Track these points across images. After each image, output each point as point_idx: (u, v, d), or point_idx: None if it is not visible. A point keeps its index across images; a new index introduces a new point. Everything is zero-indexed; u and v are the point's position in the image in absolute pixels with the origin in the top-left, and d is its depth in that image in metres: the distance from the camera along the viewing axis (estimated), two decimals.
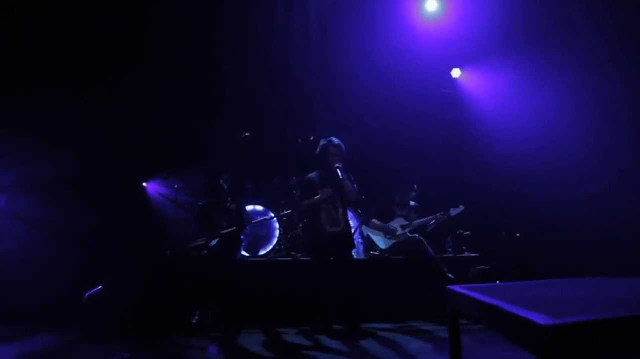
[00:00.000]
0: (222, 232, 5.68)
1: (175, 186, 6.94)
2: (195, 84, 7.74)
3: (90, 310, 5.15)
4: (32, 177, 6.43)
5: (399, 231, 6.38)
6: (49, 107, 6.68)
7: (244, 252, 6.44)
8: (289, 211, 6.38)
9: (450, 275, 6.00)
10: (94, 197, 6.59)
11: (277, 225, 6.59)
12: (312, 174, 5.64)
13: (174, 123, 7.58)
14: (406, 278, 6.01)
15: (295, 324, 5.50)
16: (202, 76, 7.77)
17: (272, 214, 6.46)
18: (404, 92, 8.19)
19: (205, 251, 5.54)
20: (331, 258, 5.44)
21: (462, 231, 6.76)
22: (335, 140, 5.56)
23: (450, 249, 6.66)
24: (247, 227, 6.44)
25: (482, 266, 6.18)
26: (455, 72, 8.96)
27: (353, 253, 6.27)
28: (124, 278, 5.30)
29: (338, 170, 5.40)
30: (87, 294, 5.24)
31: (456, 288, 2.27)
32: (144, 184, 8.01)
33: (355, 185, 5.62)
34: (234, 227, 5.74)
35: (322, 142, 5.58)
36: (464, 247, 6.67)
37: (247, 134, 6.68)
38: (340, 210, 5.53)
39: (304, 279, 5.61)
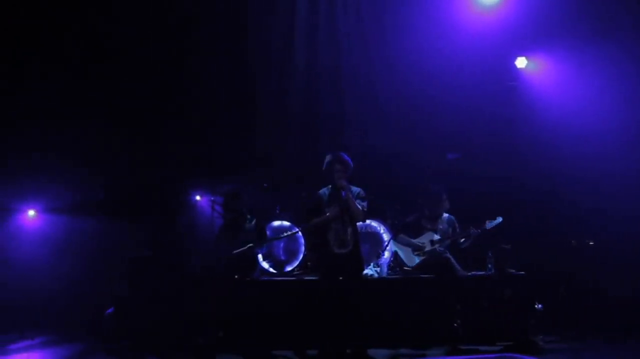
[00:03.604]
0: (236, 251, 5.65)
1: (212, 199, 6.98)
2: (235, 95, 7.81)
3: (108, 327, 5.45)
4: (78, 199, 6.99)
5: (428, 247, 5.88)
6: (96, 128, 7.17)
7: (271, 269, 6.38)
8: (296, 231, 6.18)
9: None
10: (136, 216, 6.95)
11: (303, 241, 6.43)
12: (321, 191, 5.40)
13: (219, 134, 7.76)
14: (429, 299, 5.53)
15: (305, 347, 5.33)
16: (241, 88, 7.80)
17: (297, 230, 6.31)
18: (452, 90, 7.53)
19: (217, 271, 5.56)
20: (340, 278, 5.19)
21: (504, 245, 6.04)
22: (342, 155, 5.26)
23: (490, 266, 5.99)
24: (274, 243, 6.40)
25: (520, 288, 5.49)
26: (521, 62, 7.99)
27: (372, 272, 5.99)
28: (140, 298, 5.51)
29: (342, 188, 5.12)
30: (106, 312, 5.56)
31: None
32: (198, 197, 8.25)
33: (365, 203, 5.28)
34: (249, 246, 5.68)
35: (328, 157, 5.30)
36: (505, 264, 5.96)
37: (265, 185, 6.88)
38: (350, 230, 5.20)
39: (314, 301, 5.39)
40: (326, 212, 5.23)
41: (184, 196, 7.72)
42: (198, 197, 8.20)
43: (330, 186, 5.31)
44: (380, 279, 5.95)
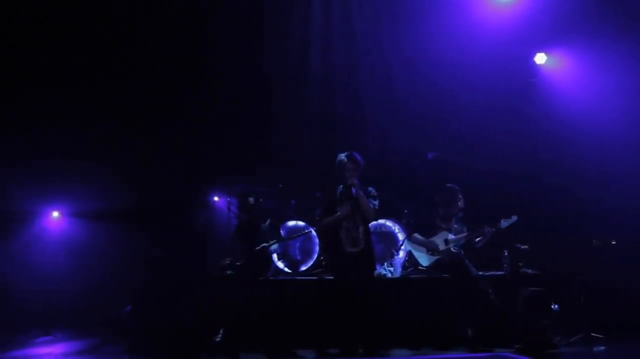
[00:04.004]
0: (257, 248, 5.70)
1: (228, 200, 7.05)
2: (251, 96, 7.89)
3: (125, 325, 5.58)
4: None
5: (442, 247, 5.83)
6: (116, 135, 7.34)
7: (286, 269, 6.41)
8: (309, 230, 6.20)
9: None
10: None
11: (317, 240, 6.45)
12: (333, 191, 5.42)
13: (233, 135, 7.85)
14: (444, 299, 5.49)
15: (326, 346, 5.31)
16: (257, 89, 7.87)
17: (309, 230, 6.34)
18: (471, 88, 7.43)
19: (229, 271, 5.62)
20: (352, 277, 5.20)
21: (521, 246, 5.93)
22: (354, 154, 5.29)
23: (506, 266, 5.90)
24: (290, 243, 6.44)
25: (535, 288, 5.40)
26: (540, 58, 7.80)
27: (386, 272, 5.97)
28: (154, 299, 5.62)
29: (353, 187, 5.15)
30: (124, 310, 5.70)
31: None
32: (216, 198, 8.34)
33: (376, 201, 5.29)
34: (262, 246, 5.72)
35: (340, 157, 5.32)
36: (520, 264, 5.86)
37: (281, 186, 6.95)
38: (361, 229, 5.23)
39: (328, 300, 5.40)
40: (337, 211, 5.26)
41: (201, 197, 7.82)
42: (216, 198, 8.30)
43: (342, 186, 5.34)
44: (393, 279, 5.92)
